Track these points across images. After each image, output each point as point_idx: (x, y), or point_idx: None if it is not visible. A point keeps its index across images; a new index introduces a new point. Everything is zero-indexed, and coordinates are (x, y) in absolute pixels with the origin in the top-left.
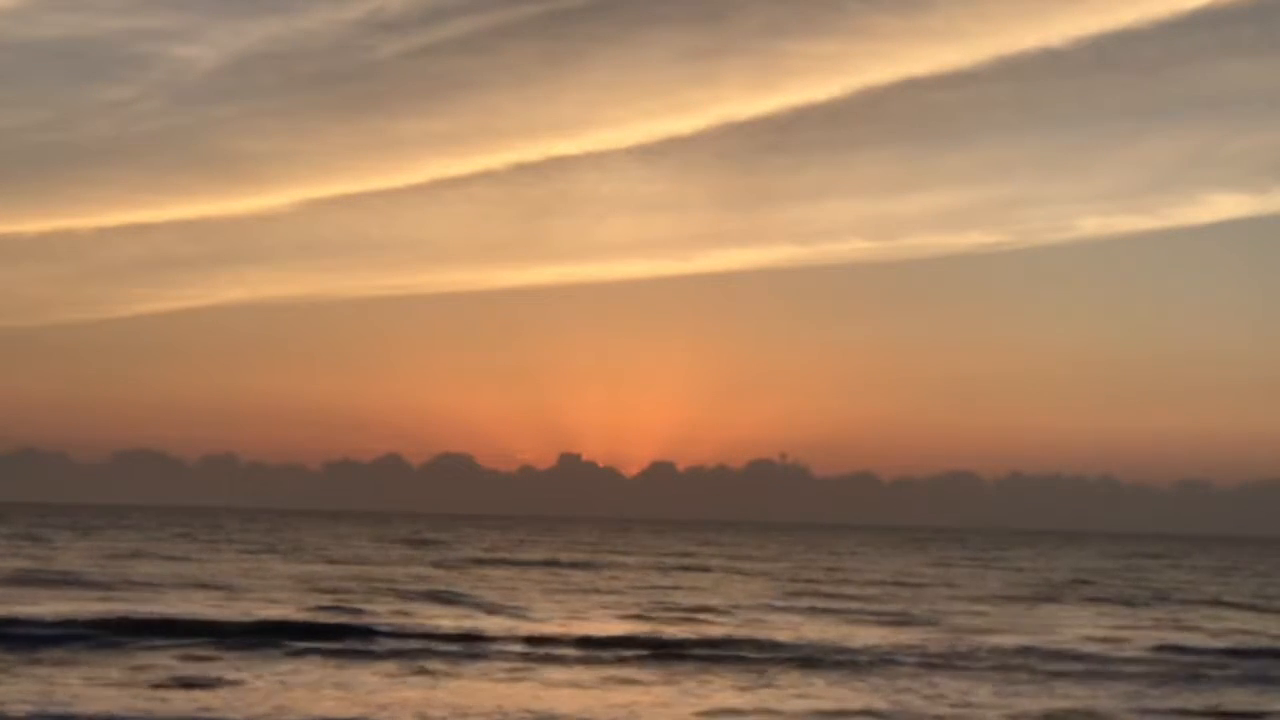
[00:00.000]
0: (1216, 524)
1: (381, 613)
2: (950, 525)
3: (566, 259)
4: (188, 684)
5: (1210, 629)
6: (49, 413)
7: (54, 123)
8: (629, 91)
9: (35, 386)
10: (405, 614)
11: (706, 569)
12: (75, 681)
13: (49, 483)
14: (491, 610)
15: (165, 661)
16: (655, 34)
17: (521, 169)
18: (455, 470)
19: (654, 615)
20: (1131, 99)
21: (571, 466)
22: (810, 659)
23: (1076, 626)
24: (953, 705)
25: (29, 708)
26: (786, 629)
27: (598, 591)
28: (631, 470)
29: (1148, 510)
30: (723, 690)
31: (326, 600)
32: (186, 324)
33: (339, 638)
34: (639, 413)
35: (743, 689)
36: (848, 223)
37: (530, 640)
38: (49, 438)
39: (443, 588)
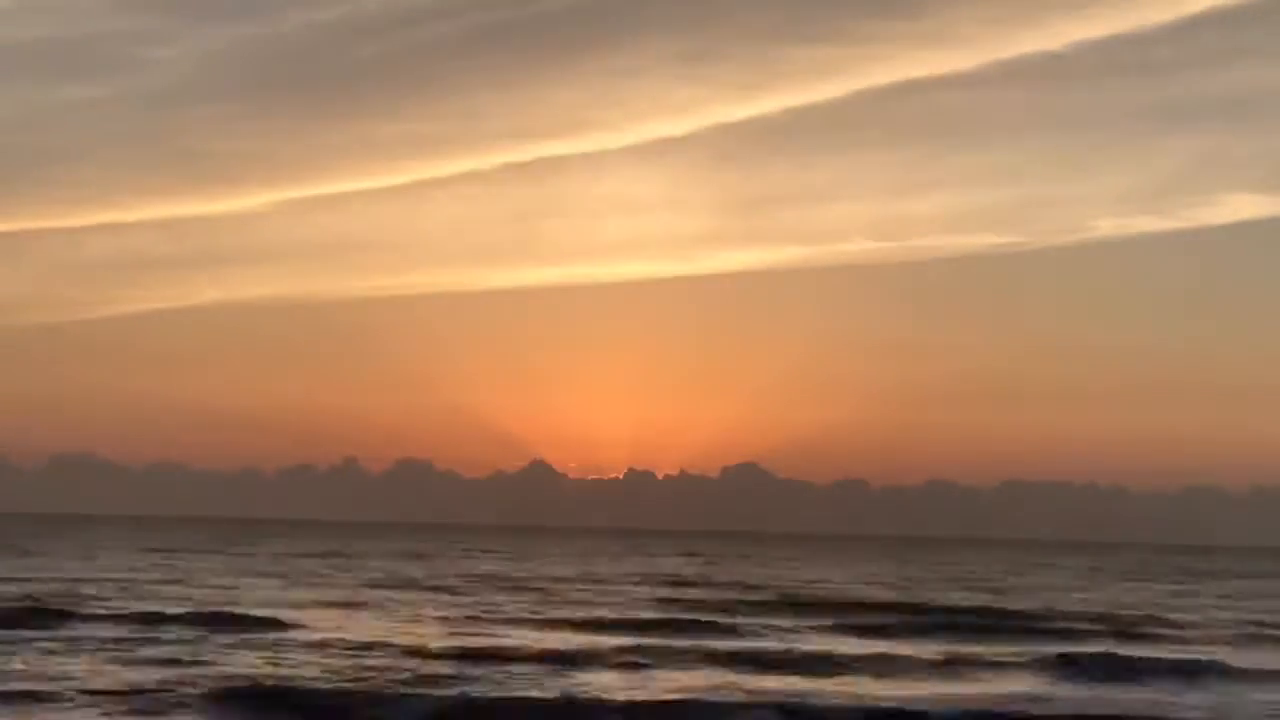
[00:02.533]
0: (1228, 534)
1: None
2: (971, 536)
3: (555, 260)
4: None
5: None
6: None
7: (25, 122)
8: (620, 93)
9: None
10: None
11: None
12: None
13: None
14: None
15: None
16: (646, 37)
17: (509, 169)
18: (420, 477)
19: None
20: (1142, 101)
21: (544, 473)
22: None
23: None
24: None
25: None
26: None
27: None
28: (610, 476)
29: (1159, 518)
30: None
31: None
32: (155, 326)
33: None
34: (623, 418)
35: None
36: (852, 223)
37: None
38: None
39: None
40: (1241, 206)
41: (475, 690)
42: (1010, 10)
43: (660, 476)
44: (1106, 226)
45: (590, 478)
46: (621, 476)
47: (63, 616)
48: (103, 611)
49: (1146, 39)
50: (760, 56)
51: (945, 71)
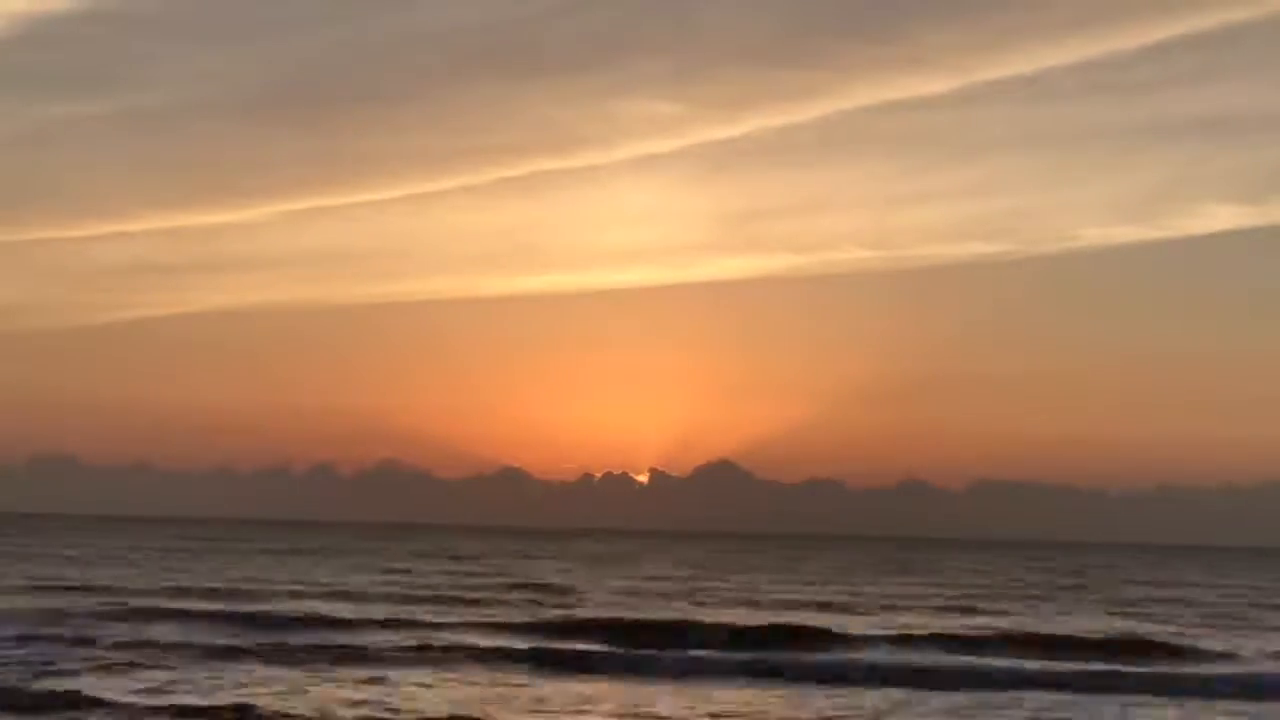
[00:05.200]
0: (1202, 533)
1: None
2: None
3: (544, 269)
4: None
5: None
6: None
7: (36, 138)
8: (611, 112)
9: None
10: None
11: None
12: None
13: None
14: None
15: None
16: (634, 59)
17: (503, 183)
18: (398, 478)
19: None
20: (1119, 120)
21: (529, 475)
22: None
23: None
24: None
25: None
26: None
27: None
28: (584, 479)
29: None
30: None
31: None
32: (156, 332)
33: None
34: (613, 421)
35: None
36: (842, 233)
37: None
38: None
39: None
40: (1219, 217)
41: None
42: (984, 36)
43: (645, 478)
44: (1091, 236)
45: (573, 480)
46: (598, 477)
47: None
48: None
49: (1120, 63)
50: (745, 78)
51: (926, 93)
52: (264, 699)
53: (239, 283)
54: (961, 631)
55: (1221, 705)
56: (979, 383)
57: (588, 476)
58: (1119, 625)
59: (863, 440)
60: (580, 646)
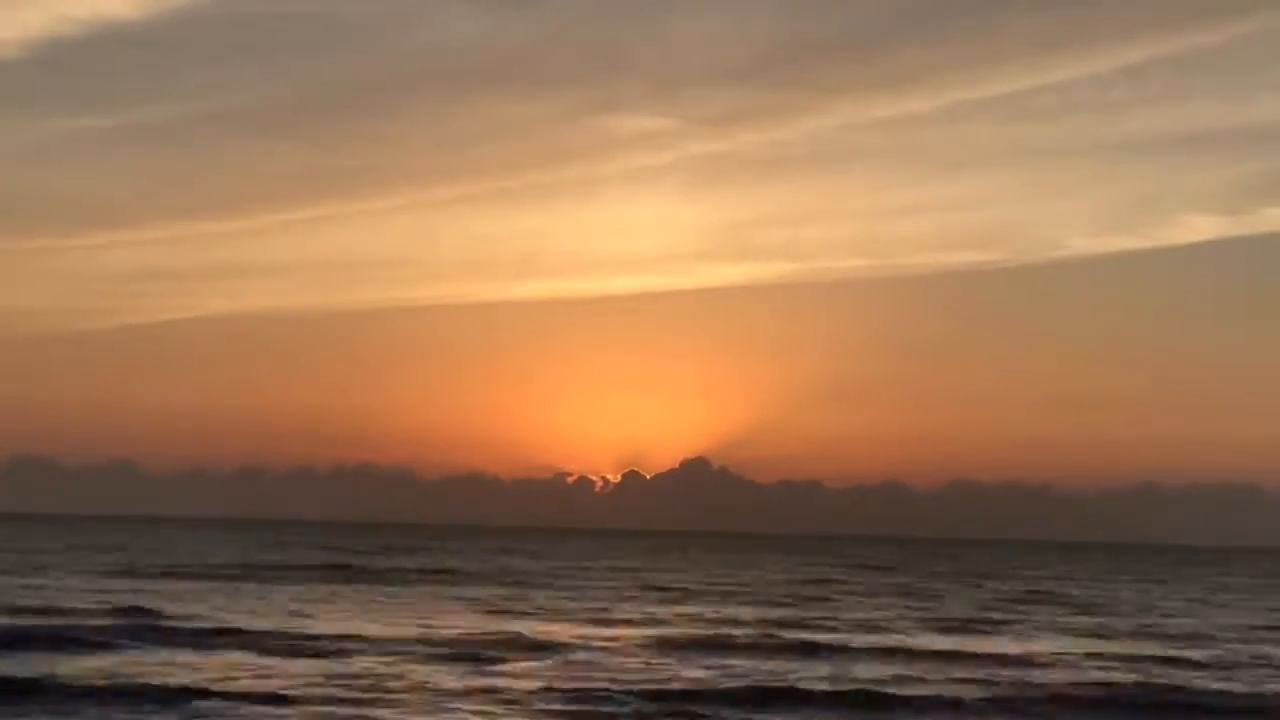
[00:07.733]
0: (1171, 533)
1: None
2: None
3: (542, 277)
4: None
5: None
6: None
7: (47, 150)
8: (604, 125)
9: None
10: None
11: None
12: None
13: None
14: None
15: None
16: (626, 76)
17: (502, 192)
18: (378, 478)
19: None
20: (1102, 135)
21: (490, 476)
22: None
23: None
24: None
25: None
26: None
27: None
28: (558, 478)
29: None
30: None
31: None
32: (158, 335)
33: None
34: (582, 423)
35: None
36: (834, 243)
37: None
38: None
39: None
40: (1195, 227)
41: None
42: (964, 57)
43: (623, 480)
44: (1075, 245)
45: (548, 478)
46: (574, 477)
47: None
48: None
49: (1097, 82)
50: (734, 96)
51: (911, 110)
52: None
53: (239, 289)
54: None
55: None
56: (967, 385)
57: (561, 475)
58: None
59: (843, 441)
60: None
